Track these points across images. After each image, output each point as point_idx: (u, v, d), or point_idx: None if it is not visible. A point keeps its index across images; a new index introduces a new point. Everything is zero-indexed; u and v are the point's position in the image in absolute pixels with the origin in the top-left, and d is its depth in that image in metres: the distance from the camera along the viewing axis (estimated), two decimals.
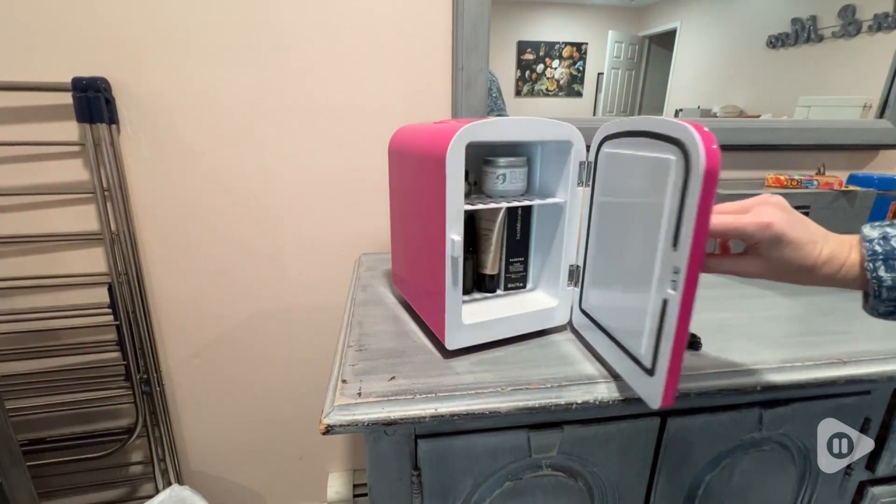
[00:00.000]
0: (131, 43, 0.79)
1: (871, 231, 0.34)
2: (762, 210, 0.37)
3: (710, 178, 0.33)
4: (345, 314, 0.65)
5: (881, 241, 0.33)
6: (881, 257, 0.33)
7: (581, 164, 0.52)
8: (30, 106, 0.80)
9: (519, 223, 0.60)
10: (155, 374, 0.97)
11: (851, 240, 0.36)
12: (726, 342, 0.56)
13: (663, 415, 0.52)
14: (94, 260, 0.90)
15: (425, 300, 0.56)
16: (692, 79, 1.28)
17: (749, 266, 0.38)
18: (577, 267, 0.55)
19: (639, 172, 0.42)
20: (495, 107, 0.89)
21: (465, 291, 0.61)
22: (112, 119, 0.81)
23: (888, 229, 0.34)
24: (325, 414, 0.42)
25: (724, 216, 0.38)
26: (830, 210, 0.83)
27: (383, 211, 0.95)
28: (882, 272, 0.33)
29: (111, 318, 0.90)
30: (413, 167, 0.54)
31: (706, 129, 0.35)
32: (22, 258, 0.87)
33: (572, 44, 1.20)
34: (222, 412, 1.05)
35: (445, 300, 0.48)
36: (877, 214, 0.89)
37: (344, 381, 0.47)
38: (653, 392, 0.40)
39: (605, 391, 0.46)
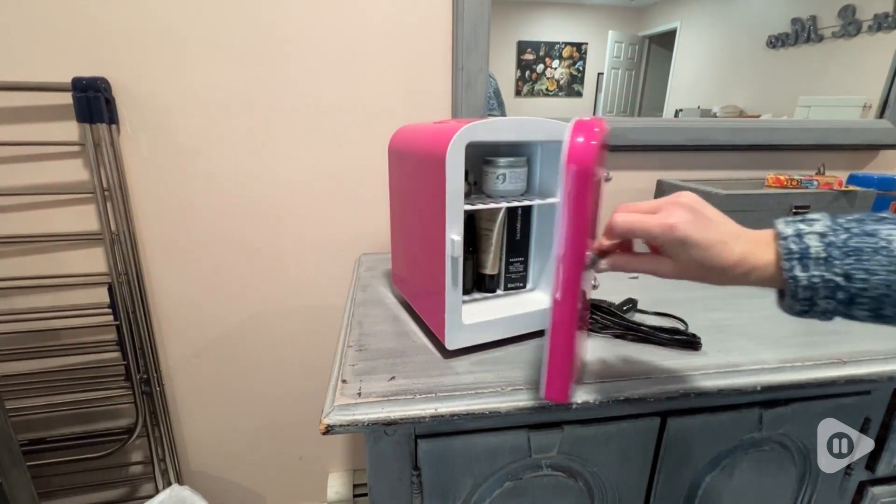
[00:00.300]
0: (131, 43, 0.79)
1: (786, 228, 0.33)
2: (669, 211, 0.36)
3: (578, 175, 0.34)
4: (345, 314, 0.65)
5: (796, 239, 0.32)
6: (797, 256, 0.32)
7: None
8: (30, 106, 0.80)
9: (519, 223, 0.60)
10: (155, 374, 0.97)
11: (765, 237, 0.35)
12: (726, 342, 0.56)
13: (663, 415, 0.52)
14: (94, 260, 0.90)
15: (425, 300, 0.56)
16: (692, 79, 1.28)
17: (661, 266, 0.38)
18: None
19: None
20: (487, 106, 0.89)
21: (465, 291, 0.61)
22: (112, 119, 0.81)
23: (801, 225, 0.33)
24: (325, 414, 0.42)
25: (630, 215, 0.37)
26: (830, 210, 0.83)
27: (383, 211, 0.95)
28: (798, 272, 0.32)
29: (111, 318, 0.90)
30: (413, 167, 0.54)
31: (593, 127, 0.35)
32: (22, 258, 0.87)
33: (572, 44, 1.20)
34: (222, 412, 1.05)
35: (445, 300, 0.48)
36: (879, 210, 0.89)
37: (344, 381, 0.47)
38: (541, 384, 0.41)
39: (605, 391, 0.46)
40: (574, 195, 0.35)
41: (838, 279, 0.30)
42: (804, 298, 0.32)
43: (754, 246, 0.34)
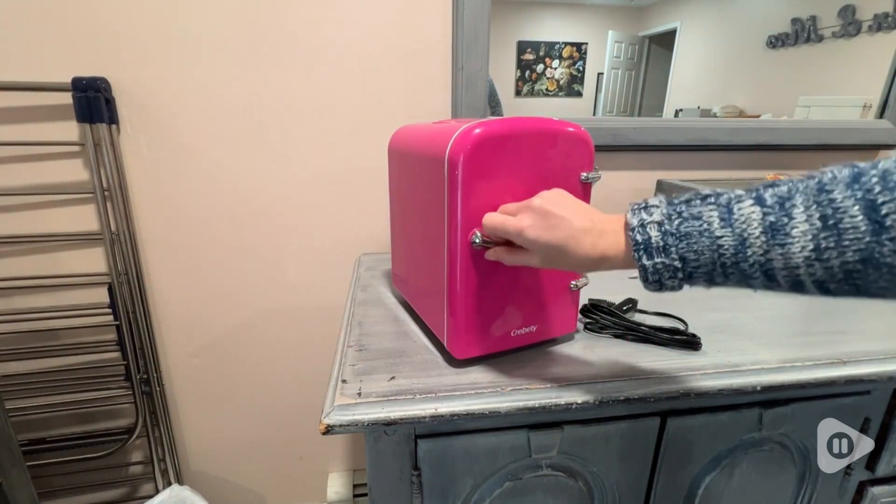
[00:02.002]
0: (131, 43, 0.79)
1: (632, 218, 0.36)
2: (521, 215, 0.40)
3: (450, 164, 0.42)
4: (345, 314, 0.65)
5: (640, 230, 0.35)
6: (641, 247, 0.35)
7: None
8: (30, 106, 0.80)
9: None
10: (155, 374, 0.97)
11: (616, 226, 0.38)
12: (726, 342, 0.56)
13: (663, 415, 0.52)
14: (94, 260, 0.90)
15: (425, 300, 0.56)
16: (692, 79, 1.28)
17: (530, 259, 0.41)
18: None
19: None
20: (492, 103, 0.89)
21: None
22: (112, 119, 0.81)
23: (643, 214, 0.36)
24: (325, 414, 0.42)
25: (494, 217, 0.43)
26: None
27: (383, 211, 0.95)
28: (645, 260, 0.35)
29: (111, 318, 0.90)
30: (413, 167, 0.54)
31: (476, 129, 0.42)
32: (22, 258, 0.87)
33: (572, 44, 1.20)
34: (222, 412, 1.05)
35: (446, 301, 0.48)
36: None
37: (344, 381, 0.47)
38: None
39: (605, 391, 0.46)
40: (450, 181, 0.43)
41: (676, 263, 0.34)
42: (654, 280, 0.36)
43: (606, 238, 0.38)
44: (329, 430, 0.41)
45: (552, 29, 1.18)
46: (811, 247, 0.30)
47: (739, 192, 0.34)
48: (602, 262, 0.38)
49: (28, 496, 0.76)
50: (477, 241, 0.44)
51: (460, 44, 0.84)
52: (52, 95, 0.79)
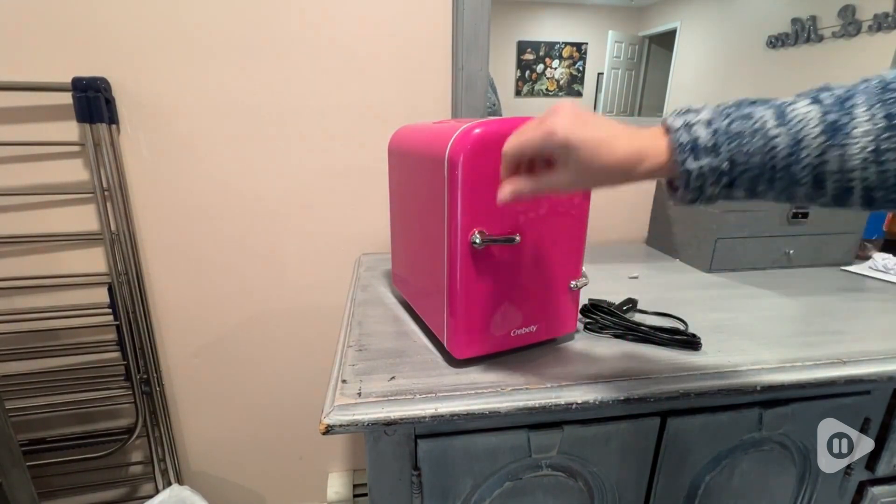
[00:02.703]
0: (131, 43, 0.79)
1: (676, 120, 0.34)
2: (548, 120, 0.35)
3: (450, 165, 0.42)
4: (345, 314, 0.65)
5: (686, 130, 0.33)
6: (689, 147, 0.33)
7: None
8: (30, 106, 0.80)
9: None
10: (155, 374, 0.97)
11: (655, 131, 0.35)
12: (726, 342, 0.56)
13: (663, 415, 0.52)
14: (94, 260, 0.90)
15: (425, 300, 0.56)
16: (692, 79, 1.28)
17: (558, 177, 0.37)
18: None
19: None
20: (489, 102, 0.89)
21: None
22: (112, 119, 0.81)
23: (688, 116, 0.33)
24: (325, 414, 0.42)
25: (513, 138, 0.37)
26: (831, 210, 0.83)
27: (383, 211, 0.95)
28: (690, 163, 0.33)
29: (111, 318, 0.90)
30: (413, 167, 0.54)
31: (476, 129, 0.42)
32: (22, 258, 0.87)
33: (572, 44, 1.20)
34: (222, 412, 1.05)
35: (446, 301, 0.48)
36: (877, 214, 0.89)
37: (344, 381, 0.47)
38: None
39: (605, 391, 0.46)
40: (450, 181, 0.43)
41: (724, 165, 0.32)
42: (695, 187, 0.33)
43: (644, 139, 0.35)
44: (329, 430, 0.41)
45: (552, 29, 1.18)
46: (871, 147, 0.28)
47: (790, 98, 0.32)
48: (639, 164, 0.34)
49: (28, 496, 0.76)
50: (477, 241, 0.44)
51: (460, 44, 0.84)
52: (52, 95, 0.79)
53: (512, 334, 0.51)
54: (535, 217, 0.48)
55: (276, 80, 0.85)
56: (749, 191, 0.33)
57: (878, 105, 0.28)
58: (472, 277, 0.46)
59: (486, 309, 0.49)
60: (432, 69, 0.88)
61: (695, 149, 0.32)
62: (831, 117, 0.29)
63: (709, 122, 0.32)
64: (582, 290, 0.54)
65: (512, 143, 0.37)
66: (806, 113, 0.30)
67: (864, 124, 0.28)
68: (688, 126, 0.33)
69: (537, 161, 0.38)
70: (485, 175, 0.44)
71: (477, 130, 0.43)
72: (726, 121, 0.32)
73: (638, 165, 0.35)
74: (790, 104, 0.31)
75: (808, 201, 0.32)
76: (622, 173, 0.35)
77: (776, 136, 0.30)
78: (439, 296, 0.49)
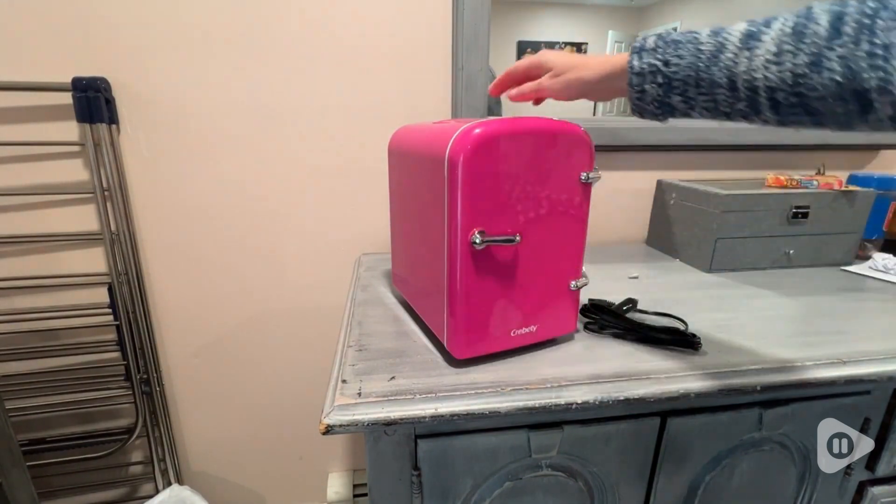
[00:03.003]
0: (131, 43, 0.79)
1: (637, 40, 0.42)
2: (539, 53, 0.51)
3: (450, 165, 0.43)
4: (345, 314, 0.65)
5: (641, 41, 0.41)
6: (636, 49, 0.41)
7: None
8: (30, 106, 0.80)
9: None
10: (155, 374, 0.97)
11: (624, 53, 0.43)
12: (726, 342, 0.56)
13: (663, 415, 0.52)
14: (94, 260, 0.90)
15: (426, 300, 0.56)
16: None
17: (550, 82, 0.50)
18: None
19: None
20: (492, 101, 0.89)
21: None
22: (112, 119, 0.81)
23: (647, 32, 0.45)
24: (325, 414, 0.42)
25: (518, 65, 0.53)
26: (831, 210, 0.83)
27: (383, 211, 0.95)
28: (635, 61, 0.41)
29: (111, 318, 0.90)
30: (413, 167, 0.54)
31: (476, 129, 0.42)
32: (22, 258, 0.87)
33: (572, 44, 1.20)
34: (222, 412, 1.05)
35: (446, 301, 0.48)
36: (877, 214, 0.89)
37: (344, 381, 0.47)
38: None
39: (605, 391, 0.46)
40: (450, 181, 0.43)
41: (659, 63, 0.39)
42: (638, 84, 0.41)
43: (615, 58, 0.44)
44: (329, 430, 0.41)
45: (552, 29, 1.18)
46: (774, 49, 0.33)
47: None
48: (610, 77, 0.44)
49: (28, 496, 0.76)
50: (477, 241, 0.44)
51: (460, 44, 0.84)
52: (52, 95, 0.79)
53: (512, 334, 0.51)
54: (536, 217, 0.48)
55: (277, 80, 0.85)
56: (682, 94, 0.39)
57: (791, 19, 0.33)
58: (472, 277, 0.46)
59: (486, 309, 0.48)
60: (432, 69, 0.88)
61: (641, 50, 0.41)
62: (752, 30, 0.35)
63: (658, 35, 0.40)
64: (582, 290, 0.54)
65: (508, 71, 0.54)
66: (736, 28, 0.36)
67: (772, 32, 0.33)
68: (643, 38, 0.41)
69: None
70: (485, 175, 0.44)
71: (477, 130, 0.43)
72: (672, 35, 0.40)
73: (608, 81, 0.45)
74: (730, 26, 0.37)
75: (729, 110, 0.37)
76: (598, 83, 0.45)
77: (704, 44, 0.37)
78: (439, 296, 0.49)
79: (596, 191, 0.51)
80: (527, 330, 0.52)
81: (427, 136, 0.51)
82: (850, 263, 0.87)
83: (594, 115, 1.21)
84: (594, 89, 0.47)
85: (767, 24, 0.34)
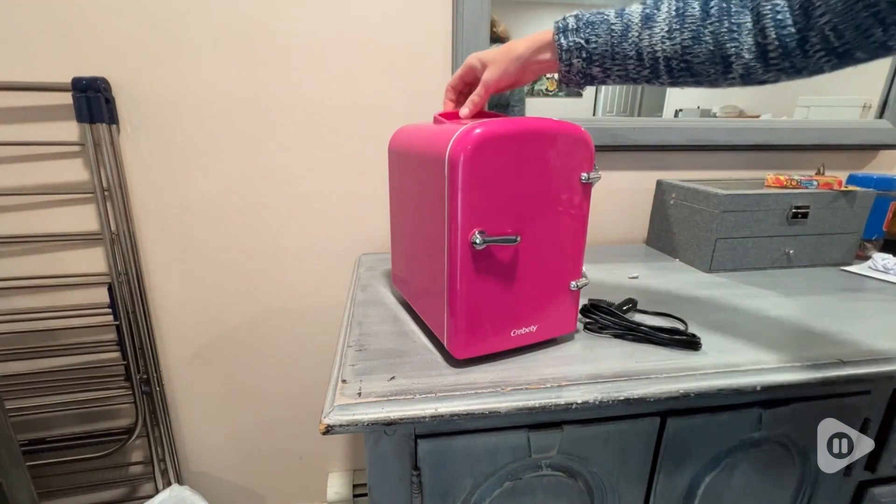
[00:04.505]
0: (131, 43, 0.79)
1: (558, 21, 0.48)
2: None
3: (450, 165, 0.43)
4: (345, 314, 0.65)
5: (561, 21, 0.48)
6: (561, 30, 0.48)
7: None
8: (30, 106, 0.80)
9: None
10: (155, 374, 0.97)
11: (546, 30, 0.49)
12: (726, 342, 0.56)
13: (663, 415, 0.52)
14: (94, 260, 0.90)
15: (425, 300, 0.56)
16: None
17: (488, 74, 0.52)
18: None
19: None
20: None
21: None
22: (112, 119, 0.81)
23: (566, 13, 0.48)
24: (325, 414, 0.42)
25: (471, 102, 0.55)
26: (830, 210, 0.83)
27: (383, 211, 0.95)
28: (562, 40, 0.47)
29: (111, 318, 0.90)
30: (413, 167, 0.54)
31: (476, 130, 0.43)
32: (22, 258, 0.87)
33: None
34: (222, 412, 1.05)
35: (446, 301, 0.48)
36: (876, 214, 0.89)
37: (344, 381, 0.47)
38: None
39: (605, 391, 0.46)
40: (450, 182, 0.43)
41: (581, 41, 0.47)
42: (566, 59, 0.48)
43: (538, 35, 0.50)
44: (329, 430, 0.41)
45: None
46: (666, 28, 0.43)
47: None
48: (538, 52, 0.50)
49: (28, 496, 0.76)
50: (478, 241, 0.44)
51: (460, 44, 0.84)
52: (52, 95, 0.79)
53: (512, 334, 0.51)
54: (536, 217, 0.48)
55: (277, 81, 0.85)
56: (601, 66, 0.47)
57: (673, 3, 0.44)
58: (472, 277, 0.46)
59: (487, 309, 0.48)
60: (432, 69, 0.88)
61: (565, 30, 0.47)
62: (647, 12, 0.45)
63: (576, 17, 0.47)
64: (582, 290, 0.54)
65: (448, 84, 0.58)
66: (634, 10, 0.46)
67: (662, 14, 0.44)
68: (563, 19, 0.48)
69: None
70: (485, 175, 0.44)
71: (477, 131, 0.43)
72: (587, 16, 0.47)
73: (537, 53, 0.50)
74: (628, 8, 0.46)
75: (636, 76, 0.47)
76: (530, 55, 0.50)
77: (614, 24, 0.46)
78: (439, 296, 0.49)
79: (596, 191, 0.51)
80: (527, 330, 0.51)
81: (427, 135, 0.51)
82: (849, 263, 0.87)
83: (594, 114, 1.21)
84: (526, 63, 0.51)
85: (657, 6, 0.45)
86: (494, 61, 0.52)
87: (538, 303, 0.51)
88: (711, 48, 0.42)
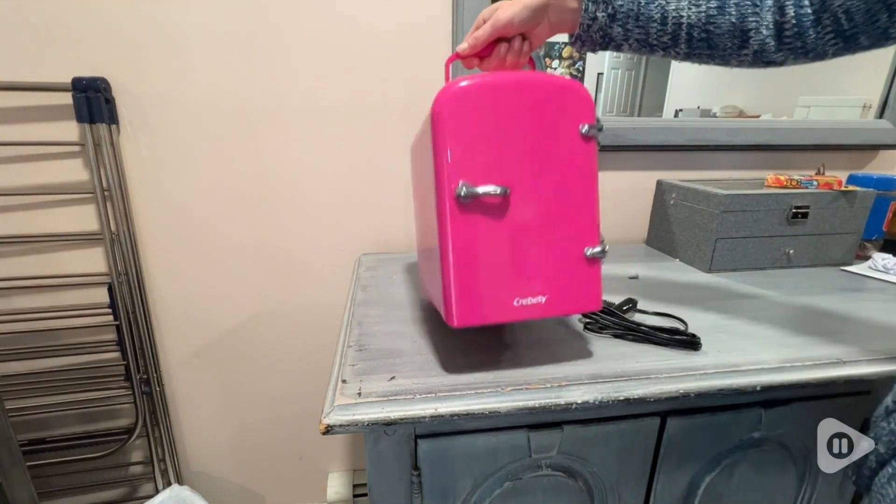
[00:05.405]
0: (131, 43, 0.79)
1: None
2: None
3: (434, 118, 0.43)
4: (345, 314, 0.65)
5: None
6: None
7: None
8: (30, 106, 0.80)
9: None
10: (155, 374, 0.97)
11: None
12: (726, 342, 0.56)
13: (663, 415, 0.52)
14: (93, 260, 0.90)
15: (430, 276, 0.53)
16: (692, 79, 1.27)
17: (504, 11, 0.48)
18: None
19: None
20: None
21: None
22: (112, 119, 0.81)
23: None
24: (325, 414, 0.42)
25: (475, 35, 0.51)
26: (830, 210, 0.83)
27: (383, 211, 0.95)
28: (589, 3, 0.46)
29: (111, 318, 0.90)
30: (420, 138, 0.53)
31: (461, 83, 0.42)
32: (22, 258, 0.87)
33: (566, 43, 1.20)
34: (222, 412, 1.05)
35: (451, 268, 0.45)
36: (876, 214, 0.89)
37: (344, 381, 0.47)
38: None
39: (605, 391, 0.46)
40: (435, 135, 0.43)
41: None
42: (590, 12, 0.46)
43: None
44: (329, 430, 0.41)
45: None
46: None
47: None
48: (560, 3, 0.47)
49: (28, 496, 0.76)
50: (462, 193, 0.42)
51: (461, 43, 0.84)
52: (52, 95, 0.79)
53: (516, 304, 0.46)
54: (533, 173, 0.45)
55: (277, 80, 0.85)
56: (623, 27, 0.47)
57: None
58: (463, 234, 0.44)
59: (483, 271, 0.45)
60: (433, 68, 0.88)
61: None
62: None
63: None
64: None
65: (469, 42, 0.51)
66: None
67: None
68: None
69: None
70: (470, 126, 0.43)
71: (462, 83, 0.42)
72: None
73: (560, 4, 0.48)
74: None
75: (655, 42, 0.47)
76: (550, 2, 0.47)
77: None
78: (437, 263, 0.47)
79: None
80: (533, 300, 0.46)
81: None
82: (849, 263, 0.87)
83: None
84: (546, 5, 0.48)
85: None
86: (512, 2, 0.48)
87: (545, 270, 0.46)
88: (734, 20, 0.44)
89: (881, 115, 1.05)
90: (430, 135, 0.44)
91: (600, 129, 0.46)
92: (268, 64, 0.84)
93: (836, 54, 0.43)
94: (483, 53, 0.51)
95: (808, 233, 0.84)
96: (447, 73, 0.52)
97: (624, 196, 1.02)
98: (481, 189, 0.43)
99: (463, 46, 0.50)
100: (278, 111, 0.87)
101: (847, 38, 0.41)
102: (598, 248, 0.47)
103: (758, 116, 1.17)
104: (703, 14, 0.44)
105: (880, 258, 0.84)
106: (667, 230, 0.93)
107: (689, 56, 0.47)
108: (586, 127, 0.45)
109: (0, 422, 0.69)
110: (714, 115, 1.21)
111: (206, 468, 1.10)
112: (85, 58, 0.79)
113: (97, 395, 0.94)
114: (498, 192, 0.43)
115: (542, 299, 0.47)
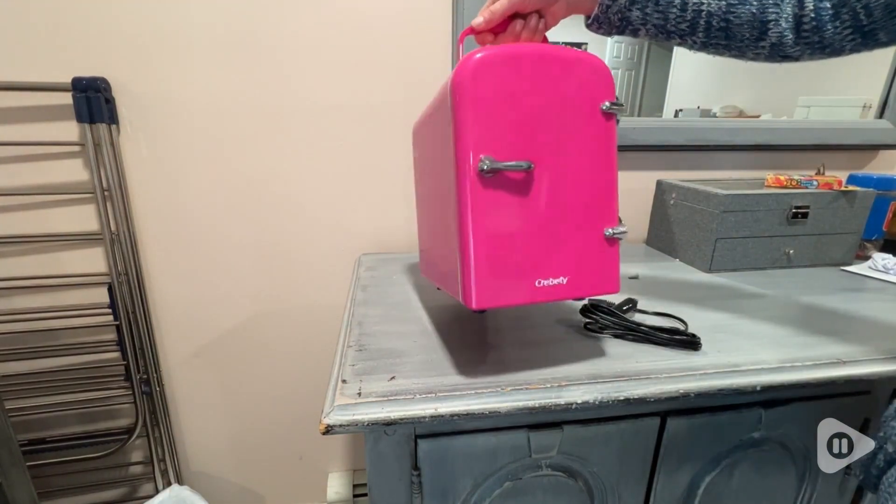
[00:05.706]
0: (131, 43, 0.79)
1: None
2: None
3: (455, 90, 0.40)
4: (345, 314, 0.65)
5: None
6: None
7: None
8: (30, 106, 0.80)
9: None
10: (155, 374, 0.97)
11: None
12: (726, 342, 0.56)
13: (663, 415, 0.52)
14: (93, 260, 0.90)
15: (441, 262, 0.52)
16: (692, 79, 1.27)
17: None
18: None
19: None
20: None
21: None
22: (112, 119, 0.81)
23: None
24: (325, 414, 0.42)
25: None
26: (830, 210, 0.83)
27: (383, 211, 0.95)
28: None
29: (111, 318, 0.90)
30: (427, 126, 0.52)
31: (478, 54, 0.40)
32: (22, 258, 0.87)
33: (572, 44, 1.20)
34: (222, 412, 1.05)
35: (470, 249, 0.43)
36: (876, 214, 0.89)
37: (344, 381, 0.47)
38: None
39: (605, 391, 0.46)
40: (456, 107, 0.41)
41: None
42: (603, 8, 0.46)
43: None
44: (329, 430, 0.41)
45: (552, 29, 1.18)
46: None
47: None
48: None
49: (28, 496, 0.76)
50: (486, 166, 0.40)
51: None
52: (52, 95, 0.79)
53: (537, 284, 0.44)
54: (554, 149, 0.43)
55: (277, 80, 0.85)
56: (641, 11, 0.46)
57: None
58: (484, 210, 0.42)
59: (504, 251, 0.43)
60: (433, 68, 0.88)
61: None
62: None
63: None
64: None
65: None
66: None
67: None
68: None
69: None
70: (490, 99, 0.41)
71: (479, 55, 0.41)
72: None
73: None
74: None
75: (673, 28, 0.45)
76: None
77: None
78: (454, 244, 0.45)
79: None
80: (555, 281, 0.45)
81: (436, 94, 0.49)
82: (849, 263, 0.87)
83: None
84: None
85: None
86: None
87: (567, 250, 0.45)
88: (754, 11, 0.43)
89: (881, 115, 1.05)
90: (451, 107, 0.42)
91: (621, 107, 0.45)
92: (268, 64, 0.84)
93: (853, 50, 0.43)
94: (498, 29, 0.49)
95: (808, 233, 0.84)
96: (460, 50, 0.49)
97: (624, 196, 1.01)
98: (506, 164, 0.41)
99: (478, 20, 0.48)
100: (278, 111, 0.87)
101: (865, 33, 0.41)
102: (619, 229, 0.47)
103: (758, 116, 1.17)
104: (723, 3, 0.43)
105: (880, 258, 0.84)
106: (667, 230, 0.93)
107: (706, 46, 0.46)
108: (608, 104, 0.44)
109: (0, 422, 0.69)
110: (714, 115, 1.21)
111: (206, 468, 1.10)
112: (85, 58, 0.79)
113: (97, 395, 0.94)
114: (523, 166, 0.41)
115: (563, 280, 0.45)
